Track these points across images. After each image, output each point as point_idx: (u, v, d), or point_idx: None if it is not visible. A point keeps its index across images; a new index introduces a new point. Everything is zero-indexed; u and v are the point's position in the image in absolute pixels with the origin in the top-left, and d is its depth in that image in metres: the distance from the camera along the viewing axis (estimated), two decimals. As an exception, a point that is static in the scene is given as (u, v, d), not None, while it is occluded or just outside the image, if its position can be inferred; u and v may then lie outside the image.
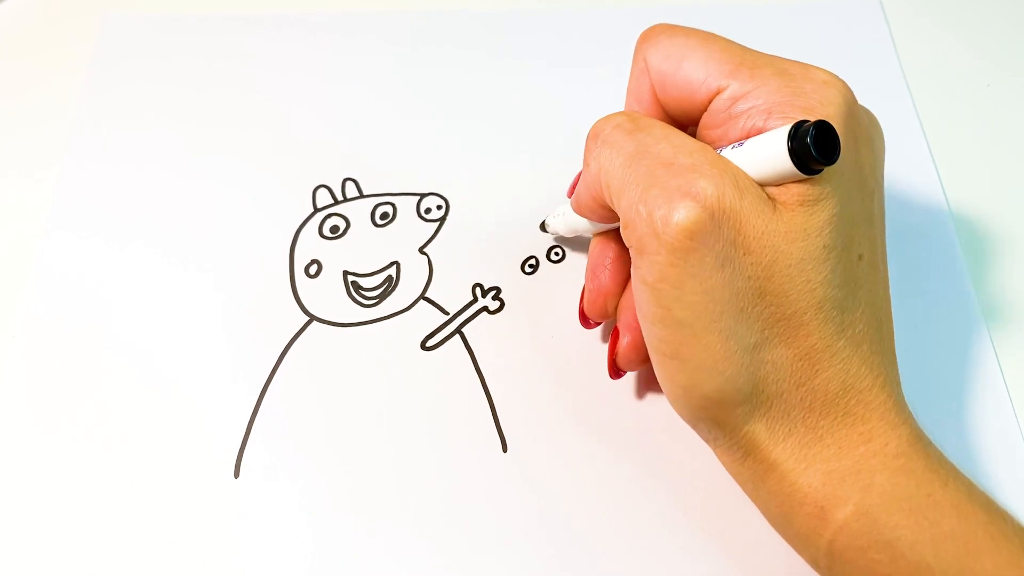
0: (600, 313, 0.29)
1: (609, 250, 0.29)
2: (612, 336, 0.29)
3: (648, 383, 0.31)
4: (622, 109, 0.27)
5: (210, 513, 0.28)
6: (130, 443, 0.29)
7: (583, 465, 0.29)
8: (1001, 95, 0.39)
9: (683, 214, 0.21)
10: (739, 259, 0.21)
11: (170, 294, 0.32)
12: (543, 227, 0.33)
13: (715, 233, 0.21)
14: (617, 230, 0.28)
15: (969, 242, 0.35)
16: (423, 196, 0.35)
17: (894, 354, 0.25)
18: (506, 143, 0.37)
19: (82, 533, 0.28)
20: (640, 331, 0.27)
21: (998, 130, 0.38)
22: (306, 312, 0.32)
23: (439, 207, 0.35)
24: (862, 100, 0.38)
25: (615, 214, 0.24)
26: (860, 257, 0.23)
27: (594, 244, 0.30)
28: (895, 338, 0.25)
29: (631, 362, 0.28)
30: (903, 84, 0.39)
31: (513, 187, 0.35)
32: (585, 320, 0.30)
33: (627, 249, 0.28)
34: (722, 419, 0.23)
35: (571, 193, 0.30)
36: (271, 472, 0.29)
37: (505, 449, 0.30)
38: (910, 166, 0.37)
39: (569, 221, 0.30)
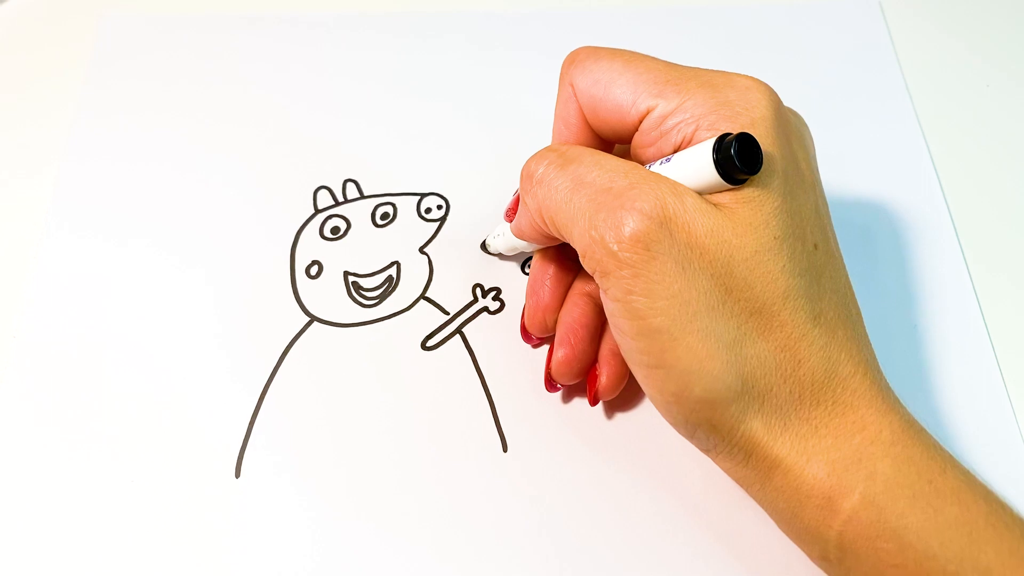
0: (540, 328, 0.30)
1: (548, 267, 0.30)
2: (548, 350, 0.30)
3: (648, 383, 0.31)
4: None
5: (210, 513, 0.28)
6: (130, 443, 0.29)
7: (583, 465, 0.29)
8: (1000, 95, 0.39)
9: (632, 227, 0.22)
10: (696, 260, 0.22)
11: (170, 294, 0.32)
12: (483, 247, 0.34)
13: (668, 240, 0.22)
14: (557, 247, 0.29)
15: (968, 242, 0.35)
16: (423, 196, 0.35)
17: (868, 340, 0.25)
18: (506, 143, 0.37)
19: (83, 533, 0.28)
20: (575, 346, 0.28)
21: (997, 131, 0.38)
22: (307, 312, 0.32)
23: (439, 207, 0.35)
24: (860, 101, 0.39)
25: (558, 238, 0.26)
26: (816, 246, 0.24)
27: (535, 262, 0.30)
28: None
29: (564, 375, 0.29)
30: (902, 85, 0.39)
31: (513, 187, 0.35)
32: (527, 335, 0.31)
33: (565, 265, 0.30)
34: (718, 421, 0.23)
35: (508, 216, 0.31)
36: (272, 472, 0.29)
37: (505, 449, 0.30)
38: (909, 167, 0.37)
39: (509, 241, 0.31)
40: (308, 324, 0.32)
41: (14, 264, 0.33)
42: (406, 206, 0.35)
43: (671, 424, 0.25)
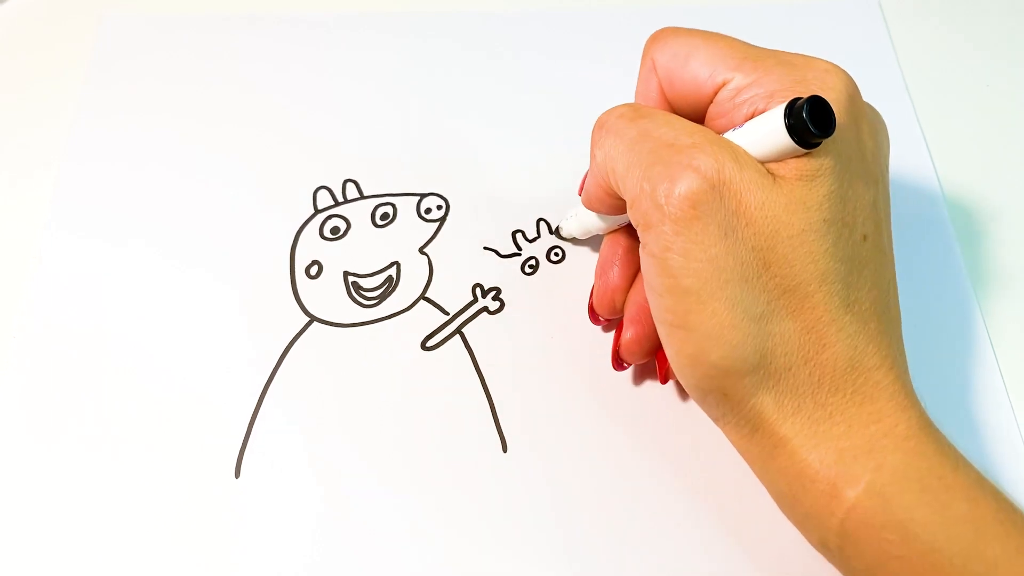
0: (609, 309, 0.30)
1: (618, 247, 0.30)
2: (617, 329, 0.30)
3: (649, 383, 0.31)
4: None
5: (210, 513, 0.28)
6: (130, 443, 0.29)
7: (583, 465, 0.29)
8: (1000, 95, 0.39)
9: (685, 185, 0.22)
10: (742, 229, 0.22)
11: (170, 295, 0.32)
12: (558, 232, 0.34)
13: (717, 203, 0.22)
14: (627, 228, 0.29)
15: (967, 241, 0.35)
16: (423, 196, 0.35)
17: (901, 340, 0.25)
18: (506, 143, 0.37)
19: (83, 533, 0.28)
20: (645, 325, 0.28)
21: (996, 129, 0.38)
22: (307, 313, 0.32)
23: (439, 207, 0.35)
24: (861, 100, 0.39)
25: (624, 204, 0.25)
26: (865, 237, 0.24)
27: (604, 242, 0.30)
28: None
29: (633, 354, 0.29)
30: (902, 84, 0.39)
31: (514, 187, 0.35)
32: (594, 316, 0.31)
33: (636, 246, 0.29)
34: (729, 390, 0.23)
35: (581, 191, 0.31)
36: (271, 472, 0.29)
37: (505, 449, 0.30)
38: (908, 166, 0.37)
39: (582, 221, 0.31)
40: (308, 324, 0.32)
41: (14, 264, 0.33)
42: (406, 206, 0.35)
43: (685, 386, 0.25)
